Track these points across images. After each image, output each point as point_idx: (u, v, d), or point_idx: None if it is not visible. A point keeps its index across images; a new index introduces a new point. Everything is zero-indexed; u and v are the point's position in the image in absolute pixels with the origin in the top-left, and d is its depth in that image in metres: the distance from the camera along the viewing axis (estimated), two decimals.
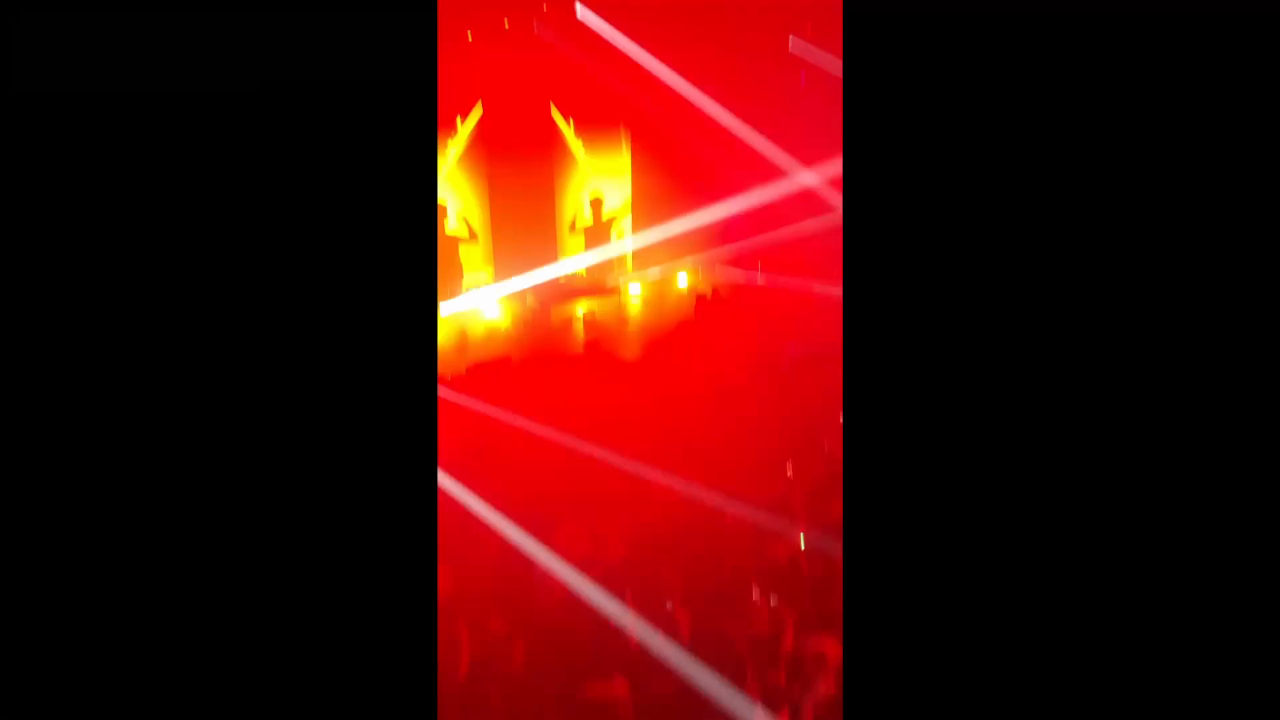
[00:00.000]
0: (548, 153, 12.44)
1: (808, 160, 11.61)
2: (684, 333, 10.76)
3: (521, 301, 12.00)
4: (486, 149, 11.88)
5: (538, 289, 12.02)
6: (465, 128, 12.01)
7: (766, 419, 8.40)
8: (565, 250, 13.14)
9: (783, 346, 9.68)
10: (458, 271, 11.93)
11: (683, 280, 12.93)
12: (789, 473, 6.48)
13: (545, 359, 10.33)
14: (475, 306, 11.76)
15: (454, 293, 11.69)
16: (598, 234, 13.23)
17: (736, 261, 12.47)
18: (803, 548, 5.44)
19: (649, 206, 12.90)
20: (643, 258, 13.16)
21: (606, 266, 13.08)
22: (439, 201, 11.38)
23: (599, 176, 13.10)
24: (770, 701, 4.11)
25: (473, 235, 12.01)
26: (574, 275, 12.86)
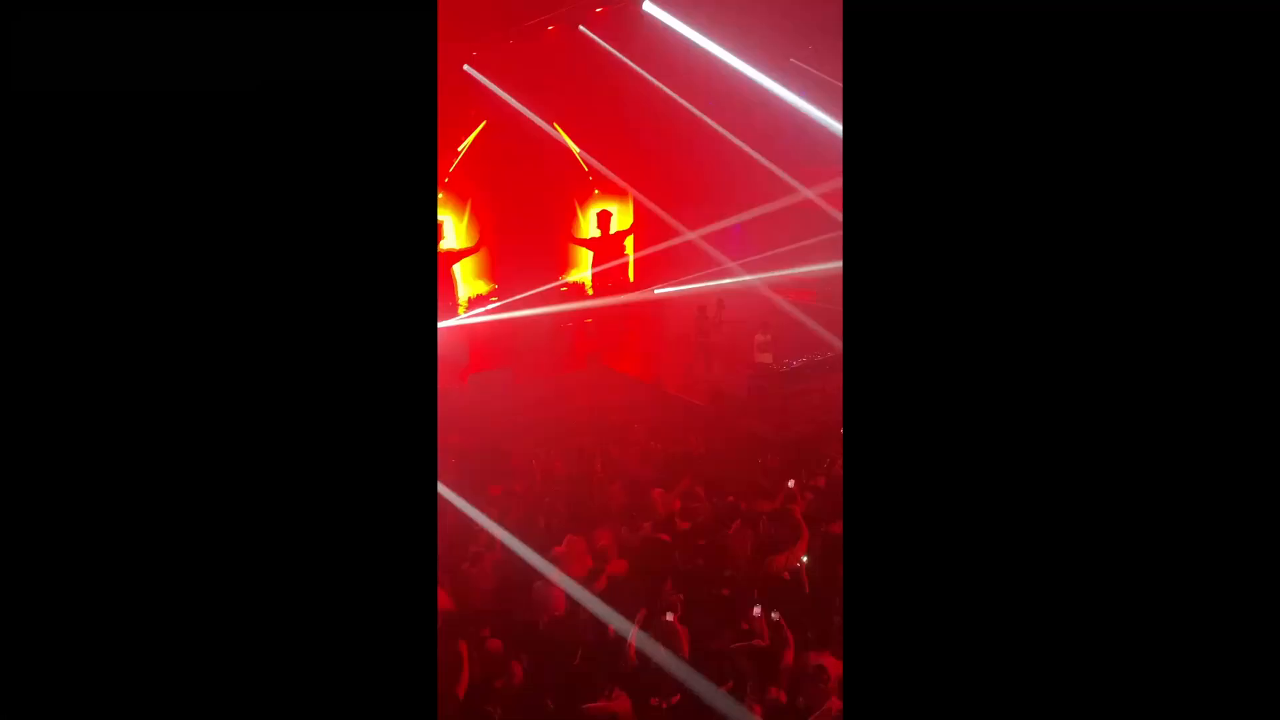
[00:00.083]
0: (550, 163, 12.52)
1: (809, 179, 11.70)
2: (685, 344, 10.78)
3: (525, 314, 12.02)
4: (489, 161, 11.95)
5: (542, 300, 12.06)
6: (468, 141, 12.08)
7: (768, 431, 8.39)
8: (568, 262, 13.20)
9: (785, 357, 9.69)
10: (453, 288, 11.96)
11: (683, 290, 12.98)
12: (790, 485, 6.44)
13: (547, 370, 10.34)
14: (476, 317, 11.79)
15: (451, 312, 11.71)
16: (602, 246, 13.29)
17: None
18: (804, 560, 5.39)
19: (651, 219, 12.98)
20: (644, 269, 13.22)
21: (608, 278, 13.14)
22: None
23: (603, 193, 13.18)
24: (770, 716, 4.06)
25: (470, 250, 12.04)
26: (575, 286, 12.90)
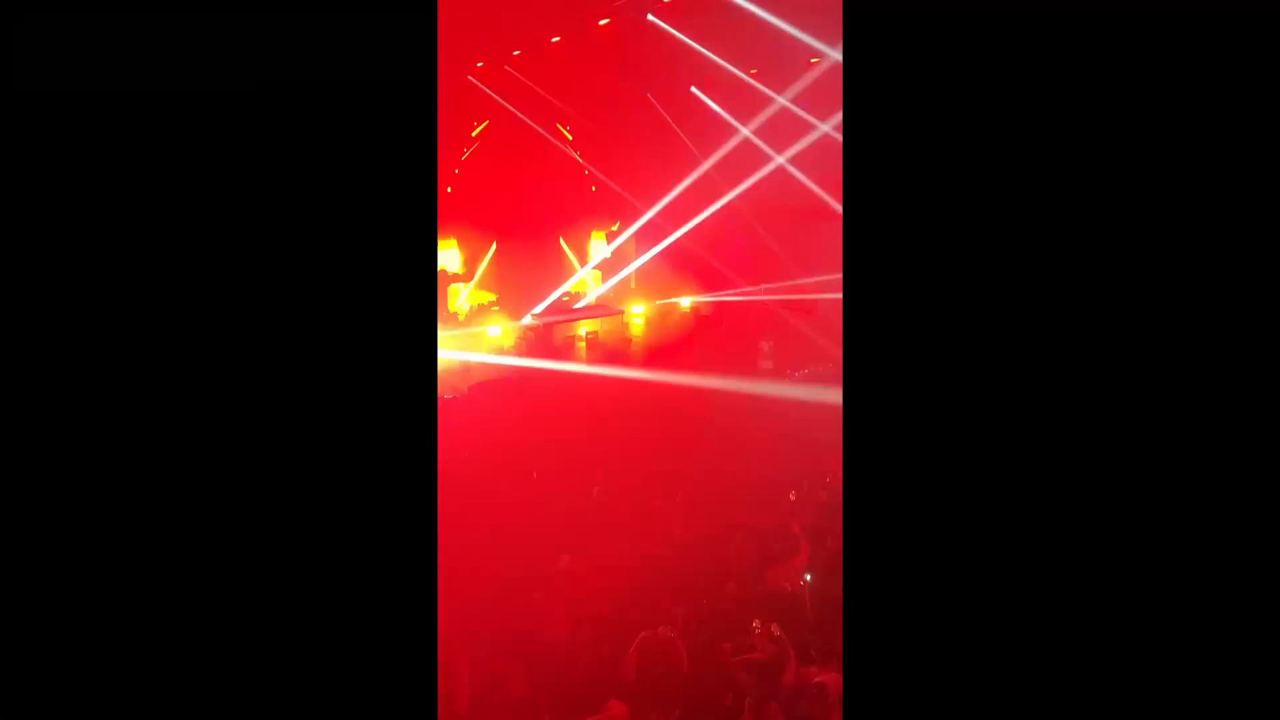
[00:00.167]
0: (553, 171, 12.56)
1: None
2: (686, 355, 10.77)
3: (525, 322, 12.03)
4: (491, 169, 11.99)
5: (541, 310, 12.07)
6: (470, 151, 12.14)
7: (769, 444, 8.35)
8: (569, 272, 13.22)
9: (788, 368, 9.68)
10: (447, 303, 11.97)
11: (685, 301, 12.99)
12: (792, 498, 6.41)
13: (548, 380, 10.32)
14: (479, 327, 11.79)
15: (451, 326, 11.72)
16: (604, 266, 13.31)
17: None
18: (807, 579, 5.35)
19: (653, 229, 13.01)
20: (646, 278, 13.23)
21: (611, 288, 13.16)
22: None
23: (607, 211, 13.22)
24: None
25: (463, 275, 12.08)
26: (577, 296, 12.91)
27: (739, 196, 11.71)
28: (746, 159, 11.65)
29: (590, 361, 11.19)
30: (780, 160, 11.44)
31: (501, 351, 11.53)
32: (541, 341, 11.60)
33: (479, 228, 12.30)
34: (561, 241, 13.17)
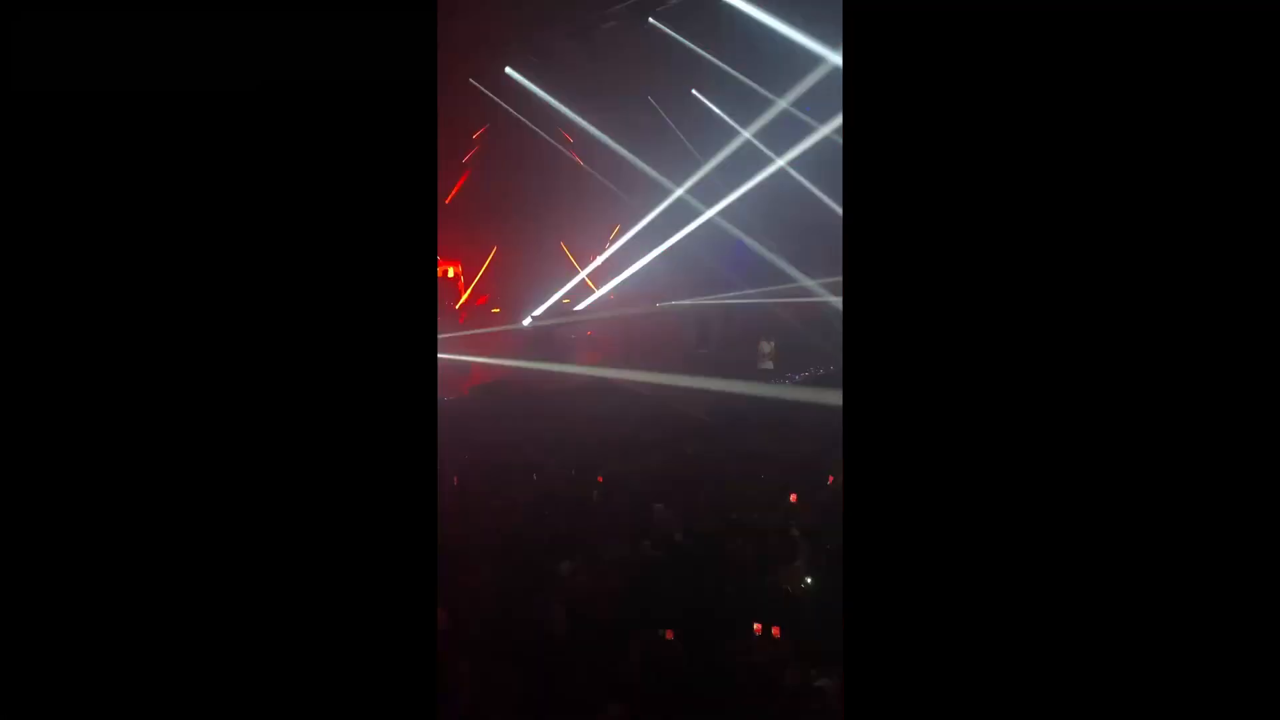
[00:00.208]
0: (555, 176, 12.56)
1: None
2: (687, 357, 10.76)
3: (526, 324, 12.02)
4: (492, 175, 12.00)
5: (541, 312, 12.07)
6: (472, 154, 12.14)
7: (770, 446, 8.35)
8: (569, 274, 13.22)
9: (788, 370, 9.67)
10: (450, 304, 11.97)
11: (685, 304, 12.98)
12: (792, 499, 6.40)
13: (546, 382, 10.31)
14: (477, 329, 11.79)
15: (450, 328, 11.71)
16: (607, 261, 13.31)
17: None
18: (808, 581, 5.34)
19: (653, 229, 13.01)
20: (647, 281, 13.22)
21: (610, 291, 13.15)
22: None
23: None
24: None
25: (459, 278, 12.08)
26: (577, 298, 12.91)
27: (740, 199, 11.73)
28: (748, 162, 11.67)
29: (589, 363, 11.19)
30: (780, 162, 11.45)
31: (502, 354, 11.52)
32: (541, 343, 11.59)
33: (480, 231, 12.29)
34: (563, 245, 13.17)
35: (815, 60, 10.51)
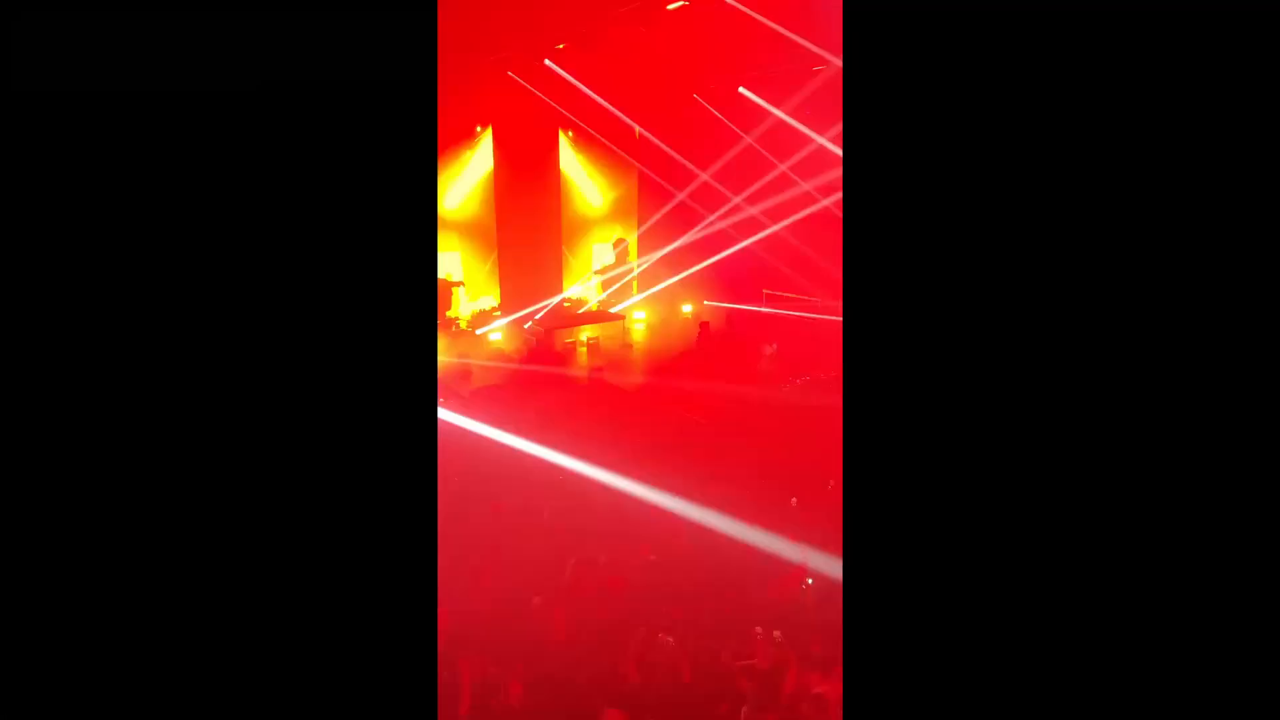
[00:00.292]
0: (556, 179, 12.58)
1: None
2: (688, 360, 10.75)
3: (527, 327, 12.02)
4: (495, 176, 12.01)
5: (543, 315, 12.07)
6: (472, 153, 12.14)
7: (771, 449, 8.33)
8: (571, 277, 13.21)
9: (787, 375, 9.66)
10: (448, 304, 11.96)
11: (686, 307, 12.96)
12: (793, 503, 6.38)
13: (549, 385, 10.30)
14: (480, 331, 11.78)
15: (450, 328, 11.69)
16: (609, 276, 13.30)
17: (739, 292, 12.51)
18: (809, 581, 5.33)
19: (655, 234, 13.01)
20: (648, 283, 13.22)
21: (612, 293, 13.15)
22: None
23: (608, 213, 13.22)
24: None
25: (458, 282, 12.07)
26: (579, 301, 12.90)
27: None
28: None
29: (591, 367, 11.18)
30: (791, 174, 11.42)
31: (503, 357, 11.52)
32: (542, 347, 11.58)
33: (483, 232, 12.30)
34: (563, 249, 13.17)
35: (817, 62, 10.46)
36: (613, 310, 12.76)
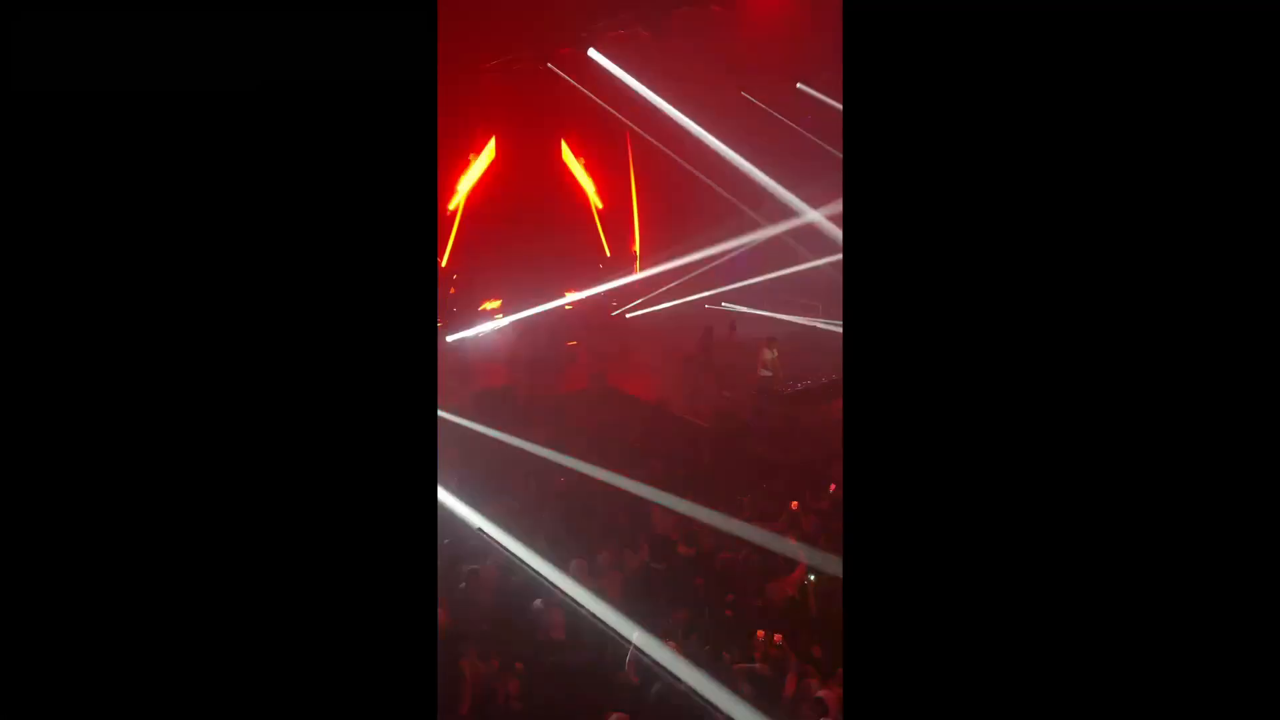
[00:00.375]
0: (558, 183, 12.59)
1: (813, 200, 11.69)
2: (689, 363, 10.74)
3: (529, 330, 12.01)
4: (499, 182, 12.03)
5: (547, 318, 12.06)
6: (478, 163, 12.17)
7: (772, 454, 8.33)
8: (573, 280, 13.21)
9: (791, 378, 9.65)
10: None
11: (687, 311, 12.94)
12: (794, 507, 6.37)
13: (550, 388, 10.30)
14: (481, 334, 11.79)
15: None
16: (611, 266, 13.30)
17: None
18: (812, 579, 5.32)
19: (657, 239, 13.01)
20: (650, 289, 13.21)
21: (613, 297, 13.15)
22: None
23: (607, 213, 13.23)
24: None
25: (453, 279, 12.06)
26: (580, 305, 12.89)
27: None
28: None
29: (592, 369, 11.17)
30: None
31: (504, 359, 11.52)
32: (544, 350, 11.58)
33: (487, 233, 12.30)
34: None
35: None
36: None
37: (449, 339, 11.31)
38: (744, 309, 12.36)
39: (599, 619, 4.87)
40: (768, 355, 9.85)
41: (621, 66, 11.56)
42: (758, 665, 4.54)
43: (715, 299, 12.82)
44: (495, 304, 12.58)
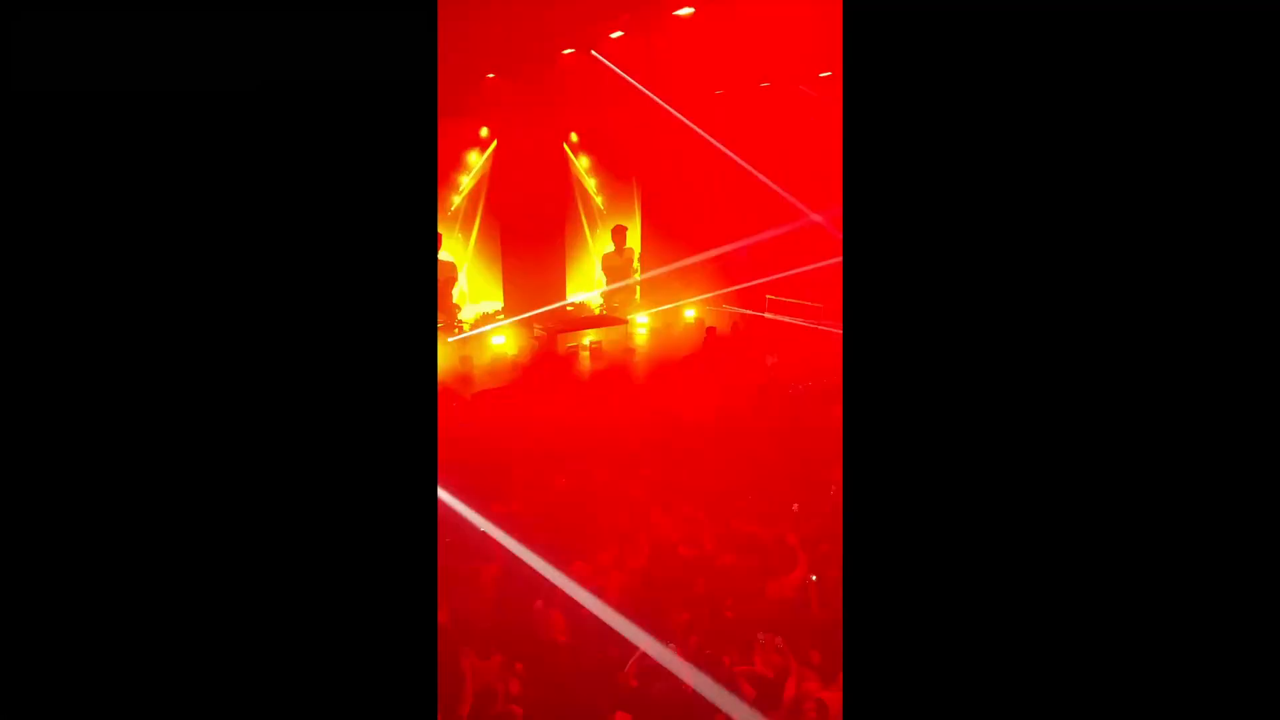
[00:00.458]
0: (560, 184, 12.59)
1: (813, 201, 11.69)
2: (691, 365, 10.74)
3: (529, 331, 12.01)
4: (500, 181, 12.03)
5: (545, 319, 12.06)
6: (479, 161, 12.17)
7: (773, 455, 8.32)
8: (574, 281, 13.21)
9: (789, 381, 9.65)
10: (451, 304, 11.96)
11: (689, 312, 12.95)
12: (795, 509, 6.37)
13: (551, 389, 10.29)
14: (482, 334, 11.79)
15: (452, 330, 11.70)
16: (611, 266, 13.29)
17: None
18: (814, 578, 5.31)
19: (658, 240, 13.01)
20: (651, 289, 13.21)
21: (615, 297, 13.14)
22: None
23: (611, 213, 13.23)
24: None
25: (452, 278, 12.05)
26: (582, 305, 12.89)
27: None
28: None
29: (593, 371, 11.17)
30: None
31: (505, 360, 11.52)
32: (545, 351, 11.57)
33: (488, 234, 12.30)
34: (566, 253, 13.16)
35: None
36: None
37: (449, 339, 11.32)
38: (744, 309, 12.37)
39: (600, 619, 4.88)
40: (769, 362, 9.87)
41: (622, 67, 11.57)
42: (758, 667, 4.54)
43: (716, 299, 12.83)
44: (496, 304, 12.58)
